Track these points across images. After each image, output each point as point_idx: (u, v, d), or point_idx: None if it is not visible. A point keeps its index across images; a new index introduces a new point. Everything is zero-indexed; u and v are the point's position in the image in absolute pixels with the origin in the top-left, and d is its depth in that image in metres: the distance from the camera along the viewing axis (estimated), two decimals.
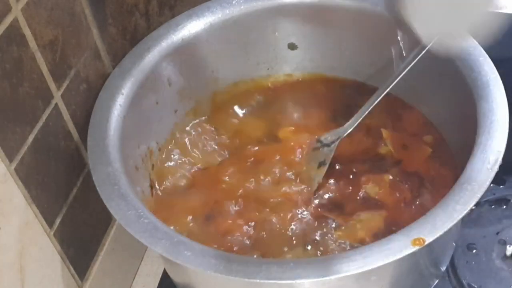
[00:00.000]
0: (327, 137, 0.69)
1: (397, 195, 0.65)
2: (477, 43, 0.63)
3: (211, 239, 0.64)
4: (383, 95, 0.66)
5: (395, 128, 0.71)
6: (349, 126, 0.68)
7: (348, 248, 0.61)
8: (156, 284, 0.76)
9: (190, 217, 0.66)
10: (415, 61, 0.64)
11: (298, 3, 0.72)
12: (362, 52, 0.74)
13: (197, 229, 0.65)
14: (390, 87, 0.66)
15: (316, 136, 0.70)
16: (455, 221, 0.52)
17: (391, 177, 0.66)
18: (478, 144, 0.56)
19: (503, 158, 0.55)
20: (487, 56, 0.62)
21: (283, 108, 0.77)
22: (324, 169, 0.67)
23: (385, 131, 0.70)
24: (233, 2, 0.72)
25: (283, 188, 0.67)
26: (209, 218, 0.66)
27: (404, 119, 0.71)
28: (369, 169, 0.67)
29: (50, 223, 0.59)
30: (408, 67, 0.65)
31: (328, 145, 0.69)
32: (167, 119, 0.72)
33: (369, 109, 0.67)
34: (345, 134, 0.68)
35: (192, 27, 0.71)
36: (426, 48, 0.63)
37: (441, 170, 0.66)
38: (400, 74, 0.65)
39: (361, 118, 0.67)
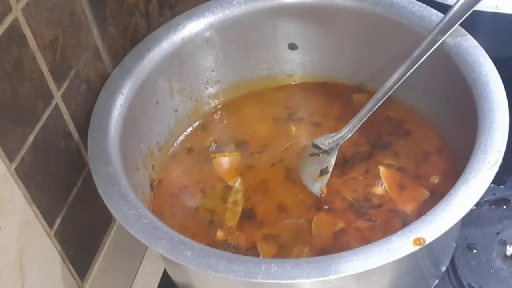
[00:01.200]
0: (323, 141, 0.69)
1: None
2: (477, 43, 0.63)
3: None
4: (383, 99, 0.66)
5: (414, 173, 0.68)
6: (348, 132, 0.68)
7: None
8: (156, 284, 0.76)
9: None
10: (417, 65, 0.64)
11: (298, 3, 0.72)
12: (362, 52, 0.74)
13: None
14: (391, 92, 0.66)
15: (312, 141, 0.70)
16: (456, 221, 0.52)
17: (342, 226, 0.64)
18: (478, 144, 0.56)
19: (503, 158, 0.55)
20: (487, 56, 0.62)
21: (283, 108, 0.77)
22: (327, 176, 0.67)
23: (383, 170, 0.68)
24: (234, 2, 0.72)
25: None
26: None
27: (430, 161, 0.68)
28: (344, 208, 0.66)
29: (50, 223, 0.59)
30: (410, 71, 0.64)
31: (327, 151, 0.69)
32: (168, 119, 0.73)
33: (369, 114, 0.67)
34: (344, 141, 0.68)
35: (192, 27, 0.71)
36: (429, 52, 0.63)
37: None
38: (401, 78, 0.65)
39: (360, 124, 0.67)
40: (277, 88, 0.78)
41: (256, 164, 0.71)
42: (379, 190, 0.66)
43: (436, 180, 0.66)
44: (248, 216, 0.67)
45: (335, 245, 0.63)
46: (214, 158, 0.72)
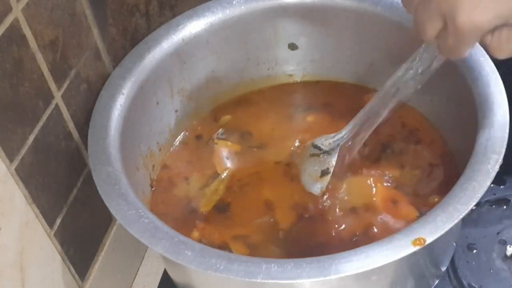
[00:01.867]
0: (323, 142, 0.69)
1: None
2: (477, 43, 0.63)
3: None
4: (383, 100, 0.66)
5: (414, 190, 0.67)
6: (348, 132, 0.68)
7: None
8: (157, 284, 0.76)
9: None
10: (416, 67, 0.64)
11: (298, 4, 0.72)
12: (362, 52, 0.74)
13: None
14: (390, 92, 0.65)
15: (311, 141, 0.70)
16: (456, 221, 0.52)
17: (322, 240, 0.64)
18: (478, 144, 0.56)
19: (504, 158, 0.55)
20: (487, 56, 0.62)
21: (283, 109, 0.77)
22: (328, 177, 0.67)
23: (380, 187, 0.67)
24: (234, 2, 0.72)
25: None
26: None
27: (434, 174, 0.67)
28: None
29: (50, 223, 0.59)
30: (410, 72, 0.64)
31: (328, 152, 0.68)
32: (168, 119, 0.73)
33: (369, 115, 0.66)
34: (344, 141, 0.68)
35: (192, 27, 0.71)
36: (428, 53, 0.63)
37: None
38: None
39: (360, 124, 0.67)
40: (277, 89, 0.78)
41: (254, 159, 0.72)
42: (369, 203, 0.66)
43: (436, 199, 0.64)
44: (221, 209, 0.67)
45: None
46: (216, 144, 0.73)
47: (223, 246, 0.64)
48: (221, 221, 0.67)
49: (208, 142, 0.73)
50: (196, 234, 0.66)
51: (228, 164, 0.72)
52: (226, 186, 0.69)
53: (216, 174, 0.71)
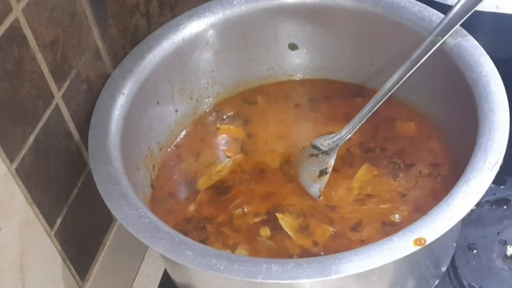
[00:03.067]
0: (322, 142, 0.69)
1: None
2: (477, 43, 0.63)
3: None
4: (383, 100, 0.66)
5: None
6: (347, 133, 0.68)
7: None
8: (157, 284, 0.76)
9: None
10: (416, 66, 0.64)
11: (298, 4, 0.72)
12: (362, 52, 0.74)
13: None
14: (390, 92, 0.65)
15: (311, 142, 0.70)
16: (456, 221, 0.52)
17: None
18: (479, 144, 0.56)
19: (504, 158, 0.55)
20: (487, 56, 0.62)
21: (283, 109, 0.77)
22: (326, 177, 0.67)
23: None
24: (234, 2, 0.72)
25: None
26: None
27: (433, 174, 0.67)
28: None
29: (50, 223, 0.59)
30: (410, 72, 0.64)
31: (326, 152, 0.69)
32: (168, 119, 0.73)
33: (368, 115, 0.66)
34: (343, 141, 0.68)
35: (193, 27, 0.71)
36: (428, 54, 0.63)
37: None
38: (401, 79, 0.65)
39: (360, 125, 0.67)
40: (277, 89, 0.78)
41: (256, 150, 0.72)
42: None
43: (397, 217, 0.64)
44: (220, 191, 0.68)
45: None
46: (219, 128, 0.74)
47: (214, 226, 0.65)
48: (217, 202, 0.67)
49: (215, 123, 0.75)
50: (192, 207, 0.67)
51: (230, 149, 0.72)
52: (230, 171, 0.70)
53: (225, 157, 0.72)
